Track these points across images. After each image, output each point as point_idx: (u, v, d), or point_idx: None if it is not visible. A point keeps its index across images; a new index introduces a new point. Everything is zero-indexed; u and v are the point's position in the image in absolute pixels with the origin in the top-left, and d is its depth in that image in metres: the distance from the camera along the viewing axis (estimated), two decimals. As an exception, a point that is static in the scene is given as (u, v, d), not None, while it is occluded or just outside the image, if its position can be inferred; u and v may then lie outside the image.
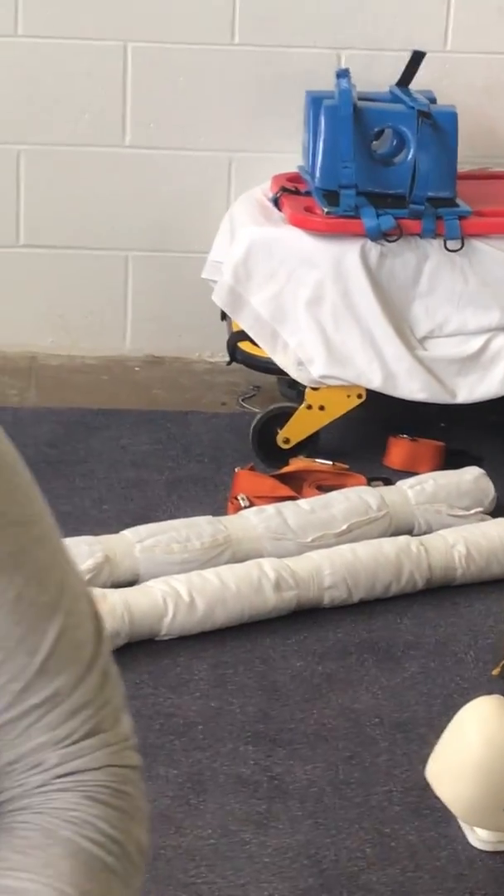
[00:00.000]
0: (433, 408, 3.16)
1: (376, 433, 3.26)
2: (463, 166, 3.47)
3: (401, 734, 2.35)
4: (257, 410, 3.21)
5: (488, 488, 2.97)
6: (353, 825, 2.17)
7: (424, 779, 2.21)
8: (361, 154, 3.14)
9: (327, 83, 3.26)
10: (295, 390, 3.21)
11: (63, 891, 1.11)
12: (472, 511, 2.90)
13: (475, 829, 2.22)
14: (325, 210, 2.97)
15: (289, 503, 2.82)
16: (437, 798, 2.26)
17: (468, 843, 2.25)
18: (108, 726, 1.16)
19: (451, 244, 3.02)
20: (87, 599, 1.16)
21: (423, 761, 2.23)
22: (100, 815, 1.15)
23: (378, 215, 2.97)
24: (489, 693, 2.31)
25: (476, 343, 3.10)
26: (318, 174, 3.03)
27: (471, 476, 3.00)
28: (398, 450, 3.20)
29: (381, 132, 3.32)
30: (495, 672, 2.47)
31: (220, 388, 3.52)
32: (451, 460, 3.11)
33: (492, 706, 2.28)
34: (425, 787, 2.20)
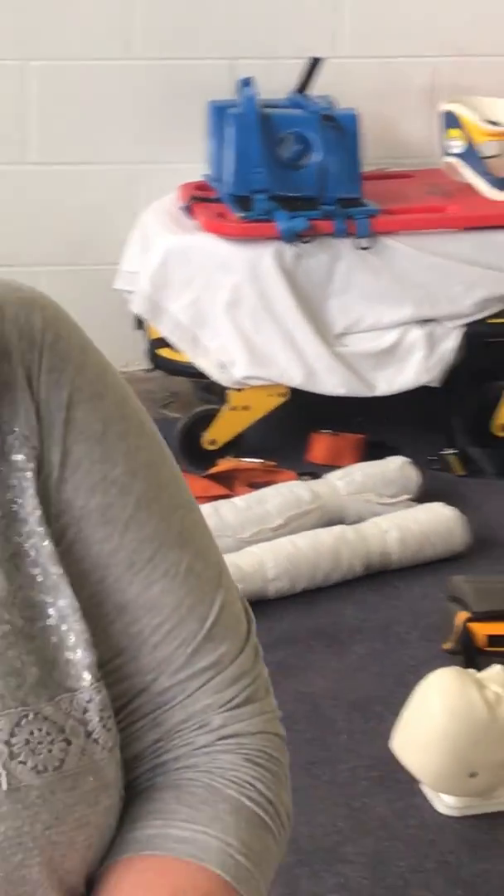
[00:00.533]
0: (351, 402, 3.28)
1: (297, 430, 3.36)
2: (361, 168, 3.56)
3: (357, 713, 2.43)
4: (178, 416, 3.29)
5: (413, 476, 3.12)
6: (324, 802, 2.24)
7: (387, 753, 2.30)
8: (270, 159, 3.24)
9: (225, 93, 3.35)
10: (212, 394, 3.31)
11: (229, 843, 1.16)
12: (400, 498, 3.04)
13: (441, 795, 2.32)
14: (239, 215, 3.07)
15: (224, 501, 2.91)
16: (400, 770, 2.35)
17: (436, 810, 2.34)
18: (261, 696, 1.21)
19: (363, 242, 3.15)
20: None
21: (383, 736, 2.32)
22: (258, 777, 1.19)
23: (291, 218, 3.10)
24: (437, 668, 2.42)
25: (391, 337, 3.26)
26: (228, 181, 3.13)
27: (395, 465, 3.14)
28: (320, 445, 3.32)
29: (285, 138, 3.37)
30: (447, 646, 2.57)
31: (138, 397, 3.61)
32: (370, 452, 3.24)
33: (452, 677, 2.38)
34: (388, 761, 2.29)
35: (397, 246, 3.53)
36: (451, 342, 3.66)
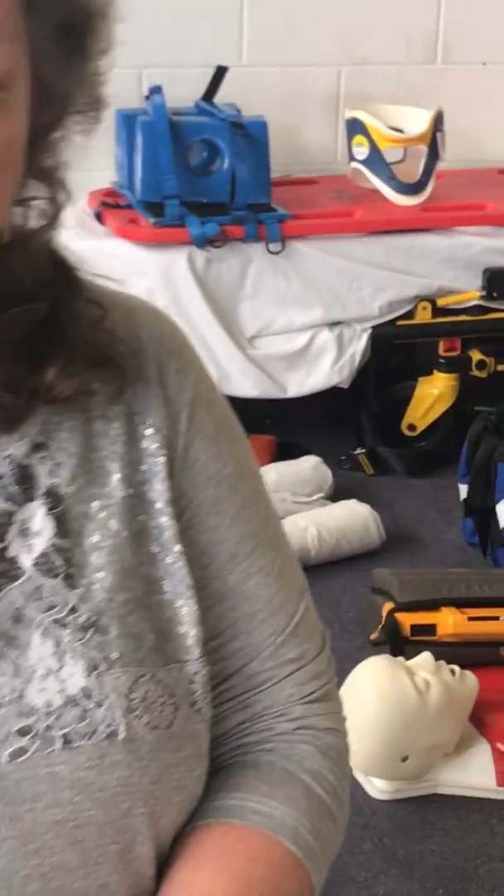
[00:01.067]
0: (262, 404, 3.37)
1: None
2: (266, 174, 3.63)
3: (288, 703, 2.51)
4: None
5: (326, 475, 3.25)
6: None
7: (319, 740, 2.37)
8: (180, 166, 3.29)
9: (131, 101, 3.41)
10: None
11: (301, 823, 1.21)
12: (315, 497, 3.14)
13: (373, 780, 2.40)
14: (151, 221, 3.14)
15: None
16: (332, 756, 2.43)
17: (368, 794, 2.42)
18: (334, 696, 1.28)
19: (273, 247, 3.25)
20: None
21: (314, 725, 2.39)
22: (329, 769, 1.26)
23: (202, 223, 3.18)
24: (362, 659, 2.49)
25: (302, 339, 3.37)
26: (139, 187, 3.21)
27: (309, 464, 3.26)
28: (233, 446, 3.41)
29: (194, 145, 3.42)
30: (373, 636, 2.66)
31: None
32: (283, 452, 3.35)
33: (382, 665, 2.47)
34: (320, 748, 2.36)
35: (307, 250, 3.58)
36: (360, 344, 3.71)
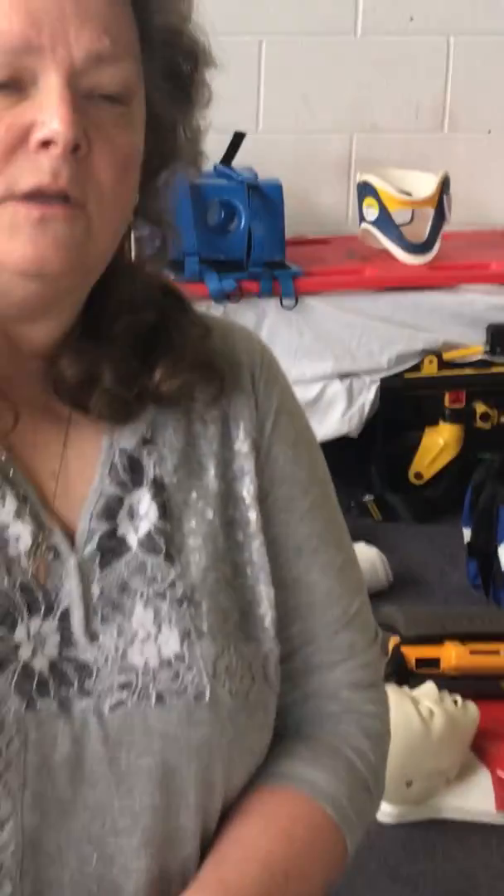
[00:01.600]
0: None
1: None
2: (281, 234, 3.73)
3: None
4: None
5: None
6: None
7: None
8: (199, 225, 3.39)
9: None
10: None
11: (341, 792, 1.32)
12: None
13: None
14: (171, 277, 3.25)
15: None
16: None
17: (374, 818, 2.49)
18: (380, 685, 1.39)
19: (287, 302, 3.36)
20: None
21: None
22: (370, 748, 1.36)
23: (220, 279, 3.31)
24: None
25: (313, 390, 3.45)
26: (161, 245, 3.34)
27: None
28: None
29: (213, 205, 3.53)
30: (379, 668, 2.76)
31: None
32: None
33: (389, 694, 2.55)
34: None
35: (319, 305, 3.66)
36: (369, 395, 3.76)
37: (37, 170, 1.16)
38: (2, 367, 1.29)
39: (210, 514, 1.31)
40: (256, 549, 1.32)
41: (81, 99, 1.17)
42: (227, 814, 1.31)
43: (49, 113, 1.15)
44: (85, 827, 1.25)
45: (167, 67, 1.24)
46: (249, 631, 1.30)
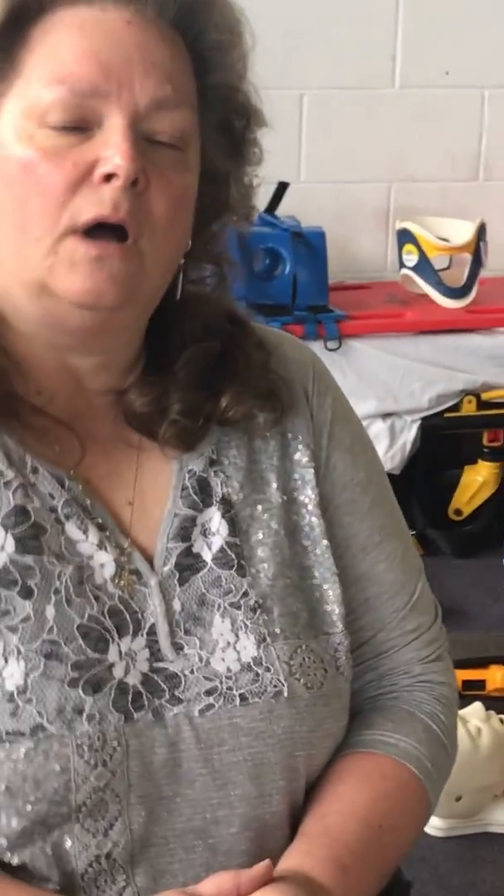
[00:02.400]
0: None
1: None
2: (324, 280, 3.79)
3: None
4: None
5: None
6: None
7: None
8: (246, 271, 3.42)
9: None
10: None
11: (422, 752, 1.41)
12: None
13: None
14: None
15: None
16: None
17: (424, 830, 2.53)
18: (446, 657, 1.48)
19: (331, 344, 3.43)
20: None
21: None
22: (442, 711, 1.45)
23: (266, 323, 3.33)
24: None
25: (357, 429, 3.51)
26: (209, 290, 3.42)
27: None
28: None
29: (258, 252, 3.61)
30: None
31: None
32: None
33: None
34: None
35: (362, 347, 3.72)
36: (410, 434, 3.80)
37: (99, 202, 1.23)
38: (71, 405, 1.35)
39: (275, 525, 1.37)
40: (322, 553, 1.39)
41: (142, 141, 1.24)
42: (320, 780, 1.39)
43: (112, 149, 1.23)
44: (188, 820, 1.32)
45: (221, 122, 1.32)
46: (319, 627, 1.37)
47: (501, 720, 2.76)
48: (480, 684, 3.02)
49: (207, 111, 1.31)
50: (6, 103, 1.31)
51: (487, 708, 2.79)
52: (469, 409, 3.92)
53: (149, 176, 1.25)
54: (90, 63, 1.26)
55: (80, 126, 1.26)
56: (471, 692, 2.96)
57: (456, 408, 3.91)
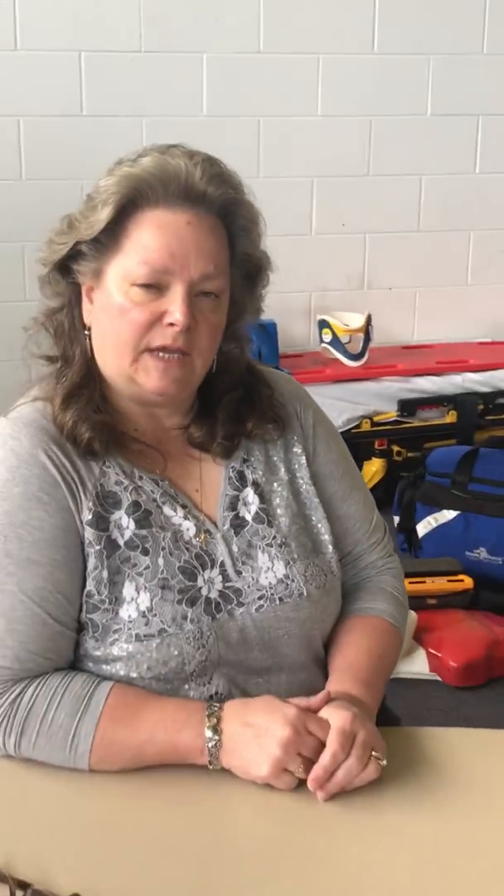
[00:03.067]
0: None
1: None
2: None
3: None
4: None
5: None
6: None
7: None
8: None
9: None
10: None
11: (391, 610, 1.70)
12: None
13: None
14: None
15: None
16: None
17: None
18: (395, 554, 1.76)
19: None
20: None
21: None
22: (399, 586, 1.74)
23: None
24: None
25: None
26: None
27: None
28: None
29: None
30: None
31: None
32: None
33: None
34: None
35: None
36: None
37: (165, 336, 1.49)
38: (155, 436, 1.60)
39: (286, 494, 1.62)
40: (315, 506, 1.64)
41: (194, 297, 1.50)
42: (333, 635, 1.63)
43: (175, 308, 1.48)
44: (255, 672, 1.58)
45: (245, 273, 1.57)
46: (320, 550, 1.61)
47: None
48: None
49: (236, 267, 1.55)
50: (110, 269, 1.53)
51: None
52: (366, 427, 4.52)
53: (197, 319, 1.50)
54: (164, 252, 1.48)
55: (155, 288, 1.50)
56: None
57: (358, 426, 4.50)
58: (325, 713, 1.47)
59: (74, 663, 1.55)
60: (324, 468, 1.68)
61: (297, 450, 1.66)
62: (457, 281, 5.07)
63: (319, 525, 1.64)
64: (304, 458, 1.65)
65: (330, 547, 1.64)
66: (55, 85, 4.35)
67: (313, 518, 1.64)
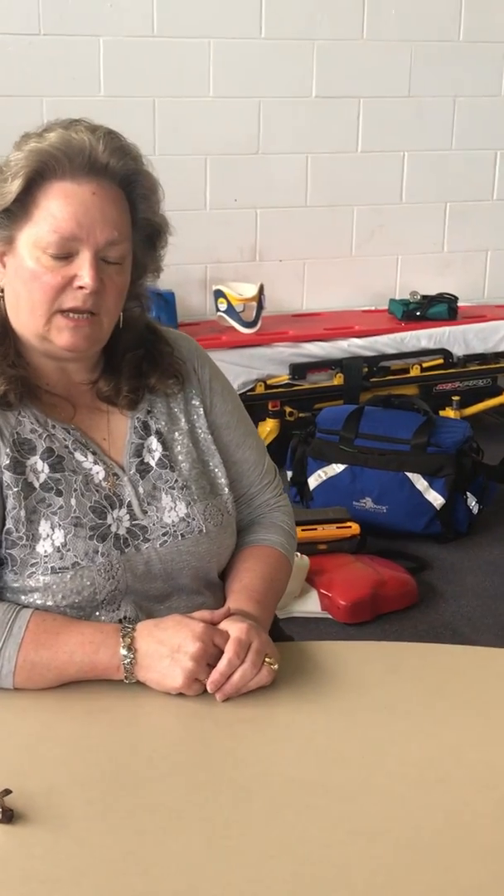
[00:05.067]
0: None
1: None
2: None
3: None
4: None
5: None
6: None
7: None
8: None
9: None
10: None
11: (282, 541, 1.78)
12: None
13: None
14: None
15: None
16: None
17: None
18: (284, 493, 1.84)
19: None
20: None
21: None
22: (287, 521, 1.82)
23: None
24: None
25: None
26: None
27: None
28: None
29: None
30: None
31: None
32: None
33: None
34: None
35: None
36: None
37: (75, 298, 1.53)
38: (66, 389, 1.64)
39: (186, 441, 1.67)
40: (213, 453, 1.69)
41: (101, 262, 1.54)
42: (231, 563, 1.70)
43: (84, 272, 1.52)
44: (156, 598, 1.65)
45: (146, 235, 1.62)
46: (217, 492, 1.68)
47: (297, 555, 2.66)
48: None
49: (137, 230, 1.59)
50: (21, 236, 1.55)
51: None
52: (260, 390, 4.65)
53: (104, 283, 1.53)
54: (71, 221, 1.52)
55: (64, 256, 1.53)
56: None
57: (253, 390, 4.63)
58: (223, 626, 1.56)
59: None
60: (220, 419, 1.74)
61: (196, 402, 1.71)
62: (342, 253, 5.19)
63: (216, 470, 1.71)
64: (201, 409, 1.71)
65: (226, 489, 1.70)
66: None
67: (210, 463, 1.71)
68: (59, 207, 1.50)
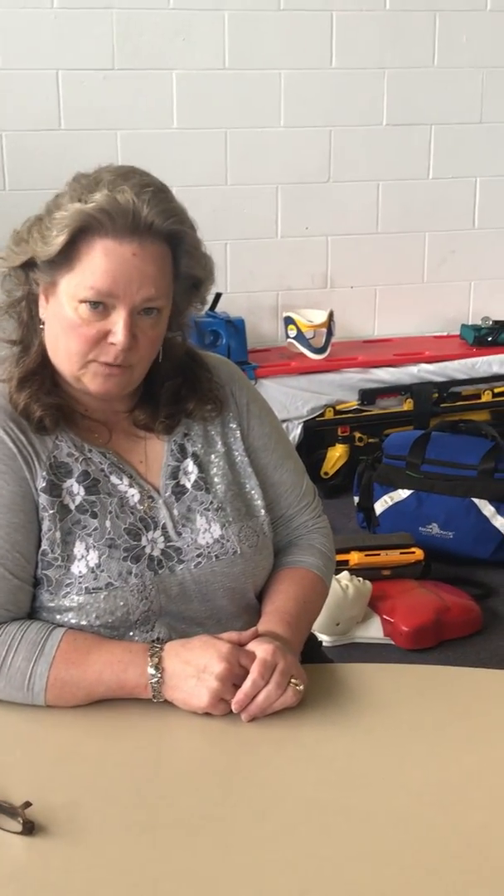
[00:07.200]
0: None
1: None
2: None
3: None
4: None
5: None
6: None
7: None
8: (200, 344, 4.02)
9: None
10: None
11: (320, 562, 1.77)
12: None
13: (319, 635, 2.37)
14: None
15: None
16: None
17: (322, 642, 2.65)
18: (324, 515, 1.81)
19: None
20: None
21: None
22: (328, 543, 1.80)
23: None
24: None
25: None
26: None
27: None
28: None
29: (206, 332, 4.32)
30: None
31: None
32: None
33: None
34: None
35: (268, 383, 4.41)
36: (297, 431, 4.49)
37: (108, 353, 1.56)
38: (104, 416, 1.67)
39: (222, 464, 1.67)
40: (249, 475, 1.69)
41: (136, 316, 1.55)
42: (267, 585, 1.69)
43: (117, 330, 1.54)
44: (194, 621, 1.64)
45: (188, 288, 1.64)
46: (252, 514, 1.68)
47: (360, 580, 3.34)
48: (346, 562, 3.56)
49: (180, 280, 1.60)
50: (62, 282, 1.57)
51: (351, 574, 3.39)
52: (329, 415, 4.61)
53: (138, 337, 1.55)
54: (108, 278, 1.53)
55: (101, 310, 1.55)
56: (340, 566, 3.41)
57: (322, 415, 4.60)
58: (251, 646, 1.56)
59: (31, 614, 1.64)
60: (257, 441, 1.75)
61: (233, 425, 1.73)
62: (414, 279, 5.17)
63: (253, 492, 1.72)
64: (238, 432, 1.73)
65: (262, 511, 1.71)
66: (35, 102, 4.48)
67: (247, 485, 1.72)
68: (98, 264, 1.52)
